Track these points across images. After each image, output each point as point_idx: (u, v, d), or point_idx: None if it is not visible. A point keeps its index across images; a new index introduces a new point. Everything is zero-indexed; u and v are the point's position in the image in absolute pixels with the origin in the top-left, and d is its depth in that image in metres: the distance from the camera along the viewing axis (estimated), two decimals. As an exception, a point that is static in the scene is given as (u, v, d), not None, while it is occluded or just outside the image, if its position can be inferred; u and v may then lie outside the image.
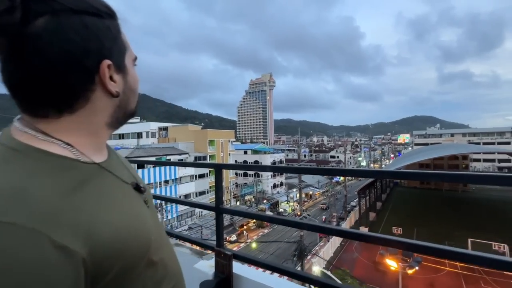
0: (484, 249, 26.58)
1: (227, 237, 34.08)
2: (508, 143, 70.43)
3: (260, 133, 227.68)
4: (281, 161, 56.43)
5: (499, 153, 66.18)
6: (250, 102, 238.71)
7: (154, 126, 48.59)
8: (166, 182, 33.81)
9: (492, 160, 73.20)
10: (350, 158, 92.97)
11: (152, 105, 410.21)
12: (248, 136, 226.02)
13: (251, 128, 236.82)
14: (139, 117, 72.63)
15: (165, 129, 48.67)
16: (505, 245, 26.20)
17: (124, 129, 51.45)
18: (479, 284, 22.35)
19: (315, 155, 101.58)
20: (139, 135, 48.01)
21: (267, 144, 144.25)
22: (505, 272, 20.84)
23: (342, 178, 70.74)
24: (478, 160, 74.05)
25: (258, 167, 1.59)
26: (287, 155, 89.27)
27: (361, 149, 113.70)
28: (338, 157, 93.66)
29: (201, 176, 40.35)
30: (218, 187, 1.54)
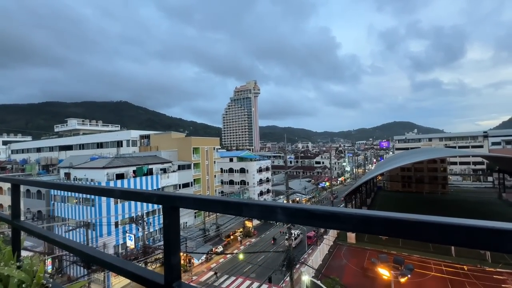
0: (467, 250, 27.19)
1: (214, 248, 32.75)
2: (481, 146, 74.40)
3: (245, 140, 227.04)
4: (267, 168, 55.95)
5: (473, 156, 69.63)
6: (235, 109, 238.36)
7: (135, 134, 46.64)
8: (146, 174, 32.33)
9: (468, 163, 76.86)
10: (335, 163, 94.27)
11: (134, 113, 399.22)
12: (233, 143, 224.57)
13: (236, 135, 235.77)
14: (119, 125, 69.86)
15: (147, 137, 46.86)
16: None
17: (102, 137, 49.11)
18: (464, 285, 22.62)
19: (301, 162, 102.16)
20: (119, 144, 45.85)
21: (253, 151, 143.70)
22: (489, 273, 21.27)
23: (327, 183, 71.32)
24: (454, 163, 77.50)
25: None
26: (273, 162, 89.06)
27: (345, 155, 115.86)
28: (323, 162, 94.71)
29: (185, 185, 38.96)
30: (172, 242, 0.89)
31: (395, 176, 65.90)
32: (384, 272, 16.68)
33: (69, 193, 29.83)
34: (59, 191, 30.50)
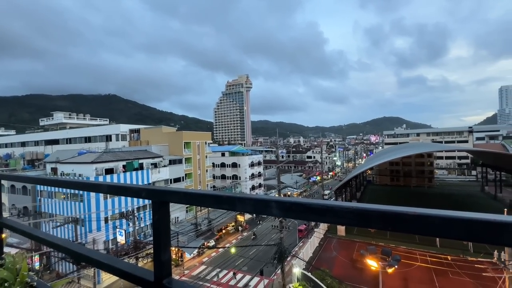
0: (451, 240, 28.28)
1: (206, 243, 32.85)
2: (466, 141, 76.80)
3: (237, 134, 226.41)
4: (259, 163, 56.10)
5: (459, 150, 71.87)
6: (227, 103, 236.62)
7: (124, 128, 45.69)
8: (136, 169, 31.87)
9: (453, 157, 79.34)
10: (326, 158, 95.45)
11: (123, 107, 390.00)
12: (225, 138, 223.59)
13: (228, 129, 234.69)
14: (108, 119, 68.23)
15: (137, 131, 46.01)
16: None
17: (91, 131, 47.90)
18: (447, 275, 23.61)
19: (293, 156, 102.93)
20: (108, 138, 44.84)
21: (245, 146, 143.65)
22: (470, 262, 22.25)
23: (319, 177, 72.28)
24: (441, 158, 79.85)
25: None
26: (265, 157, 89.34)
27: (335, 149, 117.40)
28: (314, 157, 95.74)
29: (177, 180, 38.66)
30: (162, 238, 0.82)
31: (384, 170, 67.39)
32: (373, 263, 17.18)
33: (56, 188, 29.10)
34: (45, 187, 29.73)
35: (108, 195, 27.53)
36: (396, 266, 16.59)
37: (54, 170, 31.64)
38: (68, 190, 27.60)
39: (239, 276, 26.50)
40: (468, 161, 75.55)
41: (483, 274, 16.92)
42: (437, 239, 29.06)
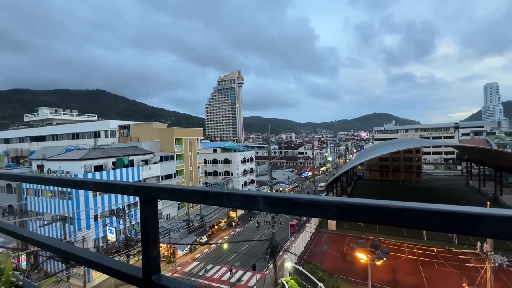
0: (437, 233, 29.25)
1: (198, 239, 32.83)
2: (452, 137, 79.02)
3: (229, 130, 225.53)
4: (251, 159, 56.16)
5: (445, 146, 73.94)
6: (218, 99, 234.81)
7: (114, 124, 44.73)
8: (126, 166, 31.32)
9: (440, 153, 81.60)
10: (318, 154, 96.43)
11: (112, 102, 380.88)
12: (217, 134, 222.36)
13: (220, 125, 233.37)
14: (96, 115, 66.60)
15: (127, 127, 45.15)
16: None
17: (78, 127, 46.68)
18: (433, 266, 24.47)
19: (285, 152, 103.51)
20: (96, 134, 43.84)
21: (237, 142, 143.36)
22: (455, 254, 23.12)
23: (310, 173, 73.06)
24: (428, 153, 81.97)
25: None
26: (257, 153, 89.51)
27: (327, 145, 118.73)
28: (306, 153, 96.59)
29: (168, 176, 38.30)
30: (150, 235, 0.87)
31: (373, 166, 68.69)
32: (362, 256, 17.62)
33: (43, 186, 28.36)
34: (32, 185, 28.90)
35: (97, 192, 27.04)
36: (384, 259, 17.06)
37: (41, 167, 30.76)
38: (56, 188, 26.94)
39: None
40: (454, 156, 77.90)
41: (467, 264, 17.62)
42: (424, 232, 30.01)
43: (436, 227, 0.54)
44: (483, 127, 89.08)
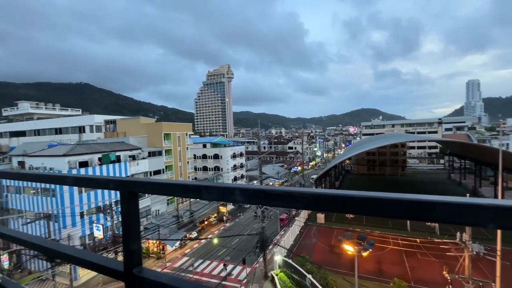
0: (420, 224, 30.45)
1: (188, 235, 32.73)
2: (436, 132, 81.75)
3: (219, 125, 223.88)
4: (241, 154, 56.14)
5: (429, 141, 76.46)
6: (208, 94, 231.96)
7: (99, 119, 43.47)
8: (113, 161, 30.64)
9: (424, 147, 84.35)
10: (307, 148, 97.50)
11: (97, 96, 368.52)
12: (207, 129, 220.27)
13: (210, 120, 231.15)
14: (80, 109, 64.43)
15: (113, 122, 43.99)
16: (436, 220, 30.41)
17: (62, 122, 45.05)
18: (416, 256, 25.51)
19: (274, 147, 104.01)
20: (81, 129, 42.50)
21: (226, 137, 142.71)
22: (436, 243, 24.19)
23: (299, 168, 73.91)
24: (413, 148, 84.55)
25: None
26: (247, 148, 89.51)
27: (316, 140, 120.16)
28: (295, 148, 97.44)
29: (157, 172, 37.76)
30: (131, 229, 0.81)
31: (361, 160, 70.25)
32: (349, 248, 18.13)
33: (25, 183, 27.34)
34: (13, 181, 27.80)
35: (83, 189, 26.34)
36: (370, 250, 17.63)
37: (22, 163, 29.61)
38: (39, 185, 26.06)
39: (221, 266, 26.82)
40: (437, 150, 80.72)
41: (447, 253, 18.47)
42: (408, 223, 31.15)
43: (397, 214, 0.59)
44: (464, 122, 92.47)
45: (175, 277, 0.81)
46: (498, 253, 16.12)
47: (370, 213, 0.61)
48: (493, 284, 15.75)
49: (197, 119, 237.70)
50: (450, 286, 16.64)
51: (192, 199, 40.78)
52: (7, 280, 1.18)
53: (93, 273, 25.73)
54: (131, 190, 0.90)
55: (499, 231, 16.57)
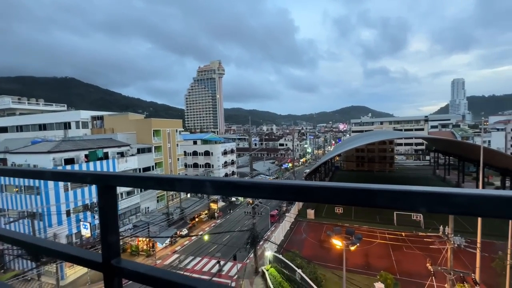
0: (406, 219, 31.41)
1: (178, 232, 32.56)
2: (422, 129, 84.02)
3: (210, 122, 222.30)
4: (232, 151, 56.03)
5: (416, 137, 78.57)
6: (198, 90, 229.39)
7: (85, 115, 42.30)
8: (100, 158, 29.94)
9: (411, 144, 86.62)
10: (298, 145, 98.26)
11: (83, 91, 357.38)
12: (197, 126, 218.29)
13: (200, 117, 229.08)
14: (66, 105, 62.46)
15: (100, 118, 42.91)
16: (420, 214, 31.42)
17: (46, 118, 43.60)
18: (402, 249, 26.35)
19: (265, 144, 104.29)
20: (66, 126, 41.25)
21: (217, 134, 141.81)
22: (421, 237, 25.06)
23: (290, 164, 74.53)
24: (400, 144, 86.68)
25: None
26: (238, 144, 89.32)
27: (306, 137, 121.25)
28: (286, 145, 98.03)
29: (146, 169, 37.21)
30: (109, 221, 0.90)
31: (350, 157, 71.50)
32: (338, 243, 18.52)
33: (7, 180, 26.39)
34: (-7, 179, 26.80)
35: (69, 186, 25.69)
36: (358, 244, 18.08)
37: (3, 161, 28.52)
38: (22, 183, 25.22)
39: (212, 262, 26.86)
40: (424, 147, 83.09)
41: (430, 246, 19.18)
42: (394, 217, 32.07)
43: (340, 201, 0.65)
44: (449, 120, 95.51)
45: (152, 267, 0.83)
46: (478, 245, 16.88)
47: (326, 201, 0.67)
48: (473, 274, 16.50)
49: (187, 115, 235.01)
50: (433, 277, 17.32)
51: (182, 196, 40.50)
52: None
53: (81, 272, 25.26)
54: (108, 184, 0.92)
55: (479, 225, 17.35)
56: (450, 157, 54.97)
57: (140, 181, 0.89)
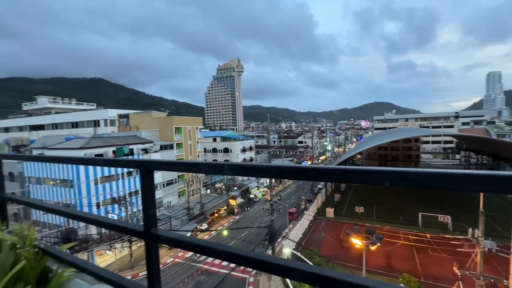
0: (432, 220, 29.98)
1: (198, 226, 33.63)
2: (452, 126, 79.08)
3: (229, 119, 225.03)
4: (251, 148, 56.52)
5: (444, 135, 74.11)
6: (218, 88, 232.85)
7: (113, 113, 44.75)
8: (126, 155, 31.60)
9: (439, 142, 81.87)
10: (317, 143, 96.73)
11: (110, 91, 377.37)
12: (217, 123, 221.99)
13: (220, 114, 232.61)
14: (95, 104, 66.43)
15: (126, 116, 45.19)
16: (448, 216, 29.79)
17: (78, 116, 46.73)
18: (427, 252, 25.24)
19: (284, 141, 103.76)
20: (95, 123, 43.94)
21: (236, 131, 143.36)
22: (448, 239, 23.83)
23: (309, 162, 73.65)
24: (427, 142, 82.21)
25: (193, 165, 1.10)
26: (257, 142, 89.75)
27: (326, 134, 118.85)
28: (305, 142, 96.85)
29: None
30: (148, 198, 1.12)
31: (372, 155, 69.17)
32: (357, 242, 18.19)
33: (45, 174, 28.74)
34: (34, 173, 29.31)
35: (99, 181, 27.49)
36: (378, 244, 17.63)
37: (42, 156, 31.06)
38: (58, 176, 27.37)
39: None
40: (453, 145, 78.17)
41: (458, 249, 18.22)
42: (420, 219, 30.70)
43: (328, 178, 0.81)
44: (483, 116, 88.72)
45: (181, 235, 1.04)
46: (512, 250, 15.77)
47: (318, 178, 0.81)
48: (505, 281, 15.48)
49: (207, 113, 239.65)
50: (460, 282, 16.47)
51: (202, 192, 41.63)
52: (49, 245, 1.44)
53: (109, 260, 26.99)
54: (148, 168, 1.13)
55: (513, 228, 16.18)
56: (483, 156, 51.34)
57: (172, 165, 1.10)
